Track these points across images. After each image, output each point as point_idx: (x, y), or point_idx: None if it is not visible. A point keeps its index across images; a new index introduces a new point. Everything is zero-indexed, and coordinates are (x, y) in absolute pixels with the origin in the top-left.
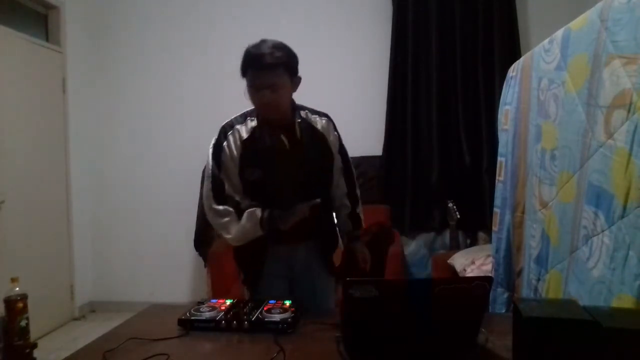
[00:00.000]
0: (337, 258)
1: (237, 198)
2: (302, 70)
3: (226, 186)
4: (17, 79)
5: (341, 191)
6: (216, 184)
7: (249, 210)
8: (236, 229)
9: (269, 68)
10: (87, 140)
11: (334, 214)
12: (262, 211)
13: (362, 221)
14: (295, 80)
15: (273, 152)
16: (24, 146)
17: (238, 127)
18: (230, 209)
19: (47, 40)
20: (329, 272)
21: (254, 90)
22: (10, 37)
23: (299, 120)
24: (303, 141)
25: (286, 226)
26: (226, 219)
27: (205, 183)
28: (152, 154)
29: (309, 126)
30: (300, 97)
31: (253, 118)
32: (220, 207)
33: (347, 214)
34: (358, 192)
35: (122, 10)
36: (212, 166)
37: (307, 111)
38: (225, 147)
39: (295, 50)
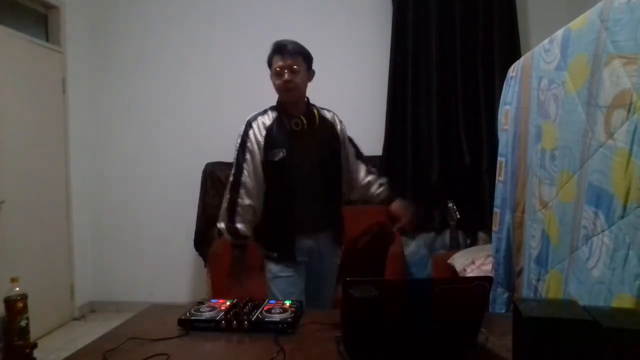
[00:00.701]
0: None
1: (251, 186)
2: None
3: (244, 173)
4: (17, 79)
5: (363, 172)
6: (236, 171)
7: (229, 226)
8: (223, 227)
9: (290, 54)
10: (87, 140)
11: (369, 191)
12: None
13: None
14: (310, 72)
15: (292, 133)
16: (24, 146)
17: (261, 117)
18: (237, 199)
19: (47, 40)
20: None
21: (279, 71)
22: (10, 37)
23: (313, 109)
24: (318, 124)
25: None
26: (223, 208)
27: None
28: (152, 154)
29: (320, 115)
30: None
31: (273, 110)
32: (228, 196)
33: (379, 184)
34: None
35: (122, 10)
36: (238, 154)
37: (316, 106)
38: (251, 134)
39: None
